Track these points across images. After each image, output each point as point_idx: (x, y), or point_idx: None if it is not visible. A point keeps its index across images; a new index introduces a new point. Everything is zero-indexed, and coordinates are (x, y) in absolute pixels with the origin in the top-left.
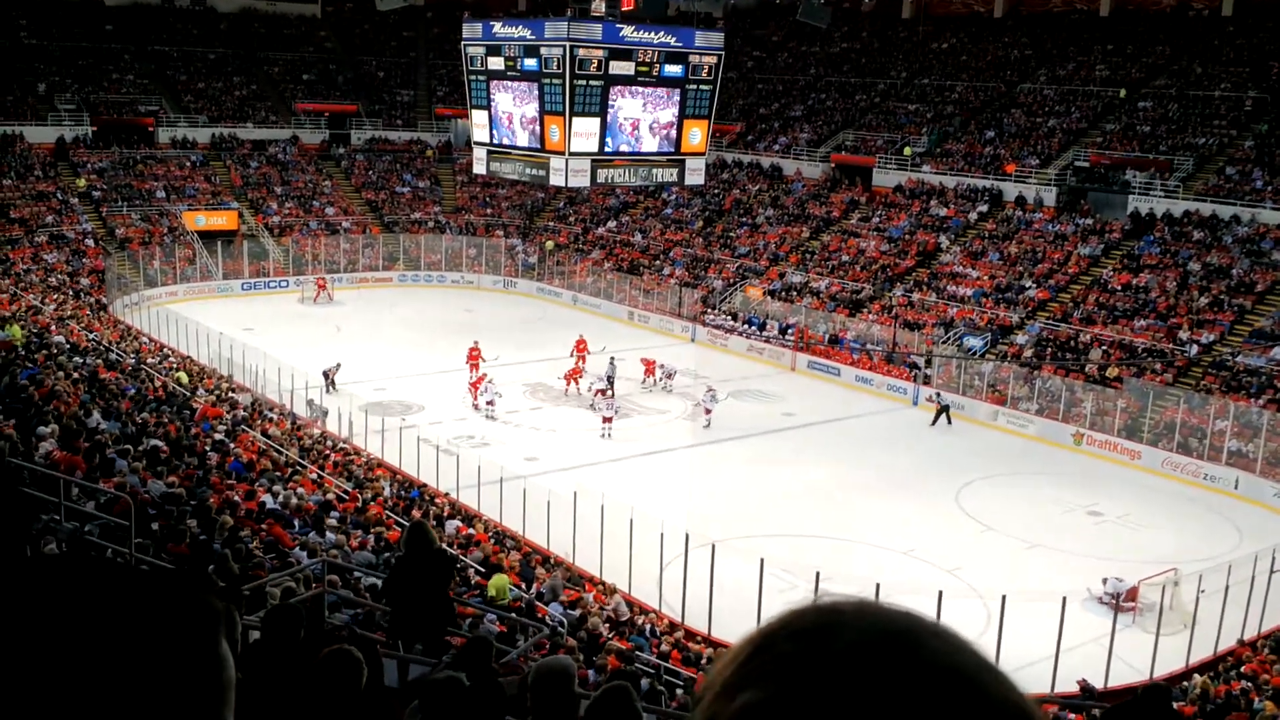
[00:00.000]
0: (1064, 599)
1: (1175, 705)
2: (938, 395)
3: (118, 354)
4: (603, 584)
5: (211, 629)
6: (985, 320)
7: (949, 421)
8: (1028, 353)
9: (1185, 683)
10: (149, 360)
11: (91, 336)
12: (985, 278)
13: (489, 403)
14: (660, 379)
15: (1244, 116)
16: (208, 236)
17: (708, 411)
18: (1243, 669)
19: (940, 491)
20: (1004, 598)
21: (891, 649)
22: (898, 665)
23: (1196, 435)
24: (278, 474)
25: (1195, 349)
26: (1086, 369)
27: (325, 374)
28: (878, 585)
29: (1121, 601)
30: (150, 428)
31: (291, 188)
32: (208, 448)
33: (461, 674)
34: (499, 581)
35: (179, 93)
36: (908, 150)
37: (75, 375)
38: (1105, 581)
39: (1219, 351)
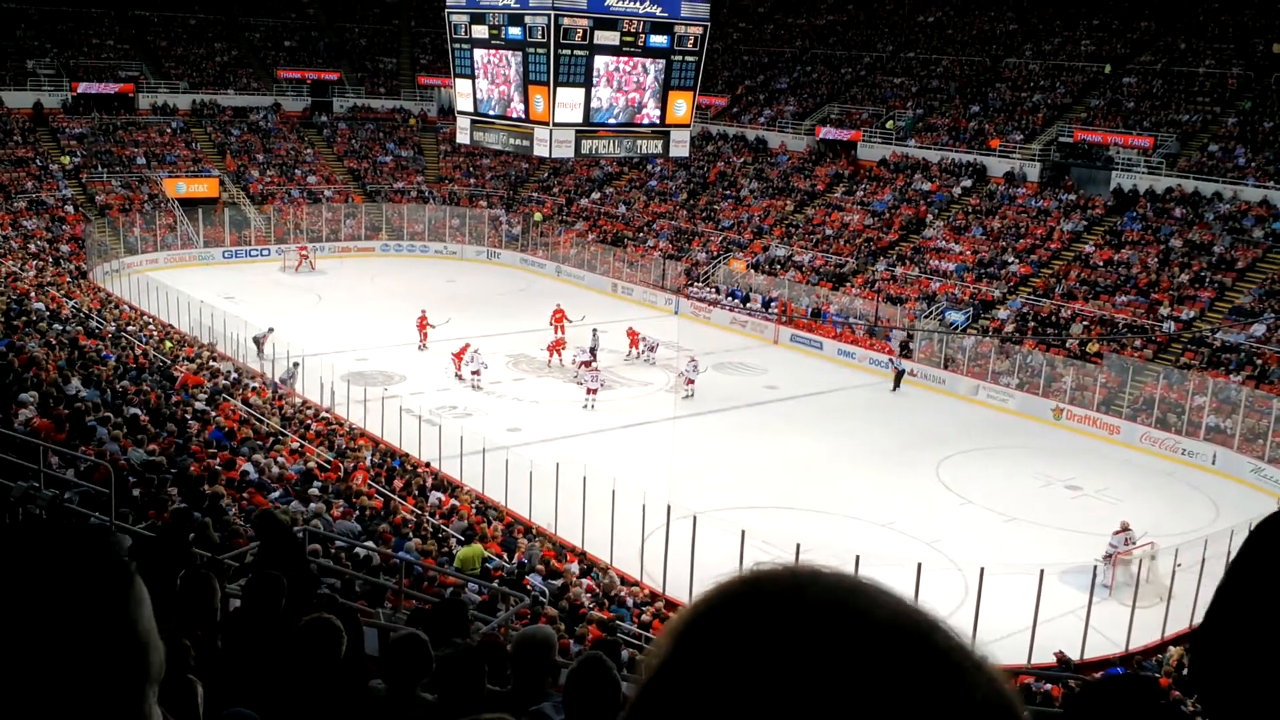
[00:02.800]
0: (1041, 571)
1: (1151, 675)
2: (893, 361)
3: (98, 321)
4: (594, 564)
5: (118, 588)
6: (967, 295)
7: (895, 386)
8: (1009, 327)
9: (1160, 655)
10: (129, 328)
11: (71, 304)
12: (968, 252)
13: (474, 372)
14: (643, 351)
15: (1228, 94)
16: (188, 204)
17: (690, 382)
18: None
19: (920, 465)
20: (982, 570)
21: (837, 608)
22: (835, 631)
23: (1175, 411)
24: (259, 443)
25: (1173, 326)
26: (1067, 344)
27: (256, 340)
28: (857, 557)
29: (1119, 555)
30: (130, 396)
31: (273, 155)
32: (188, 416)
33: (420, 632)
34: (466, 553)
35: (159, 59)
36: (891, 124)
37: (55, 343)
38: (1125, 528)
39: (1199, 328)
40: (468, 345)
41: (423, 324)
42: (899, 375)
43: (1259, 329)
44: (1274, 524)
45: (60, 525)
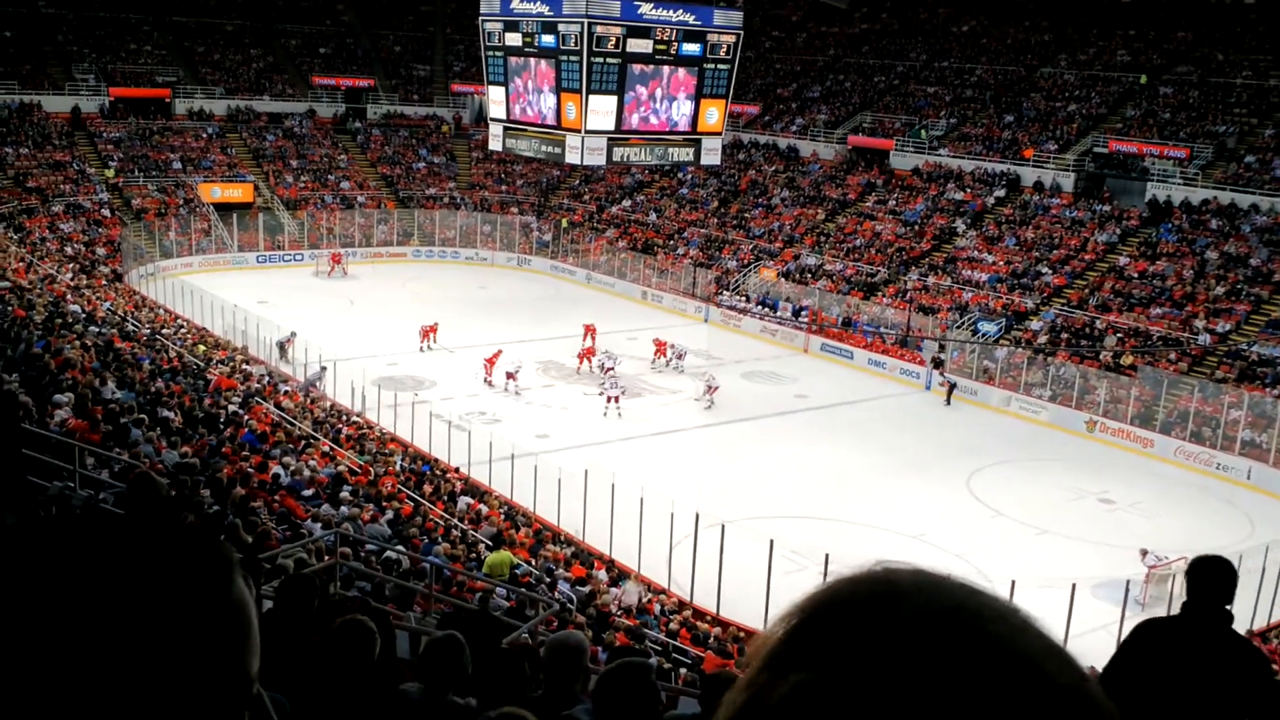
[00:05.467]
0: (1073, 585)
1: None
2: (944, 376)
3: (133, 324)
4: (620, 571)
5: (223, 573)
6: (1000, 305)
7: (948, 400)
8: (1042, 339)
9: None
10: (164, 331)
11: (106, 306)
12: (1001, 263)
13: (510, 375)
14: (670, 359)
15: (1265, 105)
16: (223, 209)
17: (712, 390)
18: None
19: (951, 476)
20: (1013, 583)
21: (954, 630)
22: (961, 648)
23: (1210, 424)
24: (291, 446)
25: (1209, 338)
26: (1101, 356)
27: (280, 345)
28: None
29: (1153, 569)
30: (165, 398)
31: (307, 161)
32: (221, 419)
33: (459, 635)
34: (495, 559)
35: (196, 64)
36: (924, 133)
37: (90, 345)
38: (1145, 554)
39: (1234, 341)
40: (500, 351)
41: (428, 332)
42: (951, 388)
43: None
44: (1151, 627)
45: (164, 518)
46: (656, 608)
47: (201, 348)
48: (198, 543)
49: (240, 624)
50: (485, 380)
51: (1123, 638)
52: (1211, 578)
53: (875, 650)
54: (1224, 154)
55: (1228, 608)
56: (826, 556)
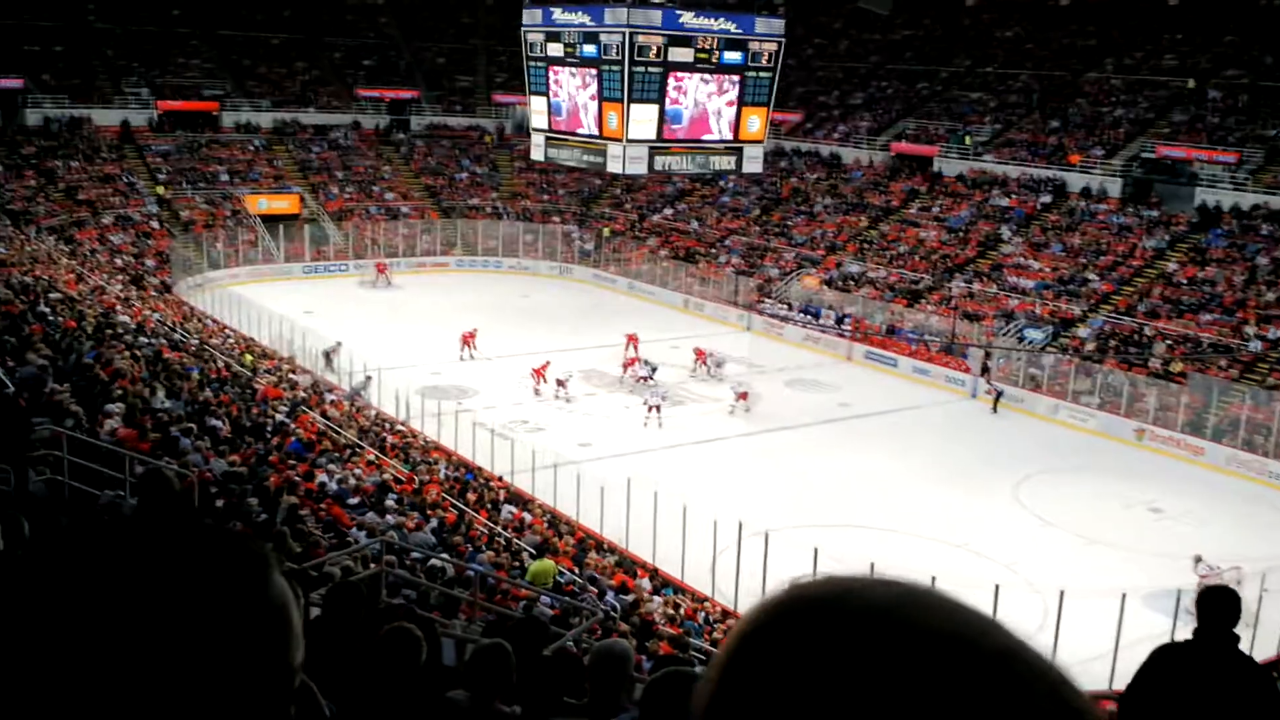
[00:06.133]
0: (1124, 595)
1: None
2: (991, 384)
3: (182, 334)
4: (663, 580)
5: (259, 571)
6: (1046, 312)
7: (994, 409)
8: (1090, 346)
9: None
10: (212, 341)
11: (156, 317)
12: (1048, 269)
13: (560, 382)
14: (711, 367)
15: None
16: (269, 220)
17: (742, 397)
18: None
19: (998, 485)
20: (1061, 593)
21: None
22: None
23: (1262, 432)
24: (336, 455)
25: (1260, 344)
26: (1150, 363)
27: (326, 354)
28: (933, 578)
29: (1205, 579)
30: (213, 407)
31: (352, 173)
32: (268, 428)
33: (505, 641)
34: (538, 567)
35: (243, 77)
36: (968, 139)
37: (139, 355)
38: (1198, 561)
39: None
40: (548, 362)
41: (468, 339)
42: (998, 396)
43: None
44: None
45: (196, 521)
46: (701, 616)
47: (249, 357)
48: (232, 542)
49: (281, 621)
50: (535, 390)
51: (1140, 663)
52: (1219, 607)
53: (815, 655)
54: (1275, 158)
55: (1235, 632)
56: (871, 565)
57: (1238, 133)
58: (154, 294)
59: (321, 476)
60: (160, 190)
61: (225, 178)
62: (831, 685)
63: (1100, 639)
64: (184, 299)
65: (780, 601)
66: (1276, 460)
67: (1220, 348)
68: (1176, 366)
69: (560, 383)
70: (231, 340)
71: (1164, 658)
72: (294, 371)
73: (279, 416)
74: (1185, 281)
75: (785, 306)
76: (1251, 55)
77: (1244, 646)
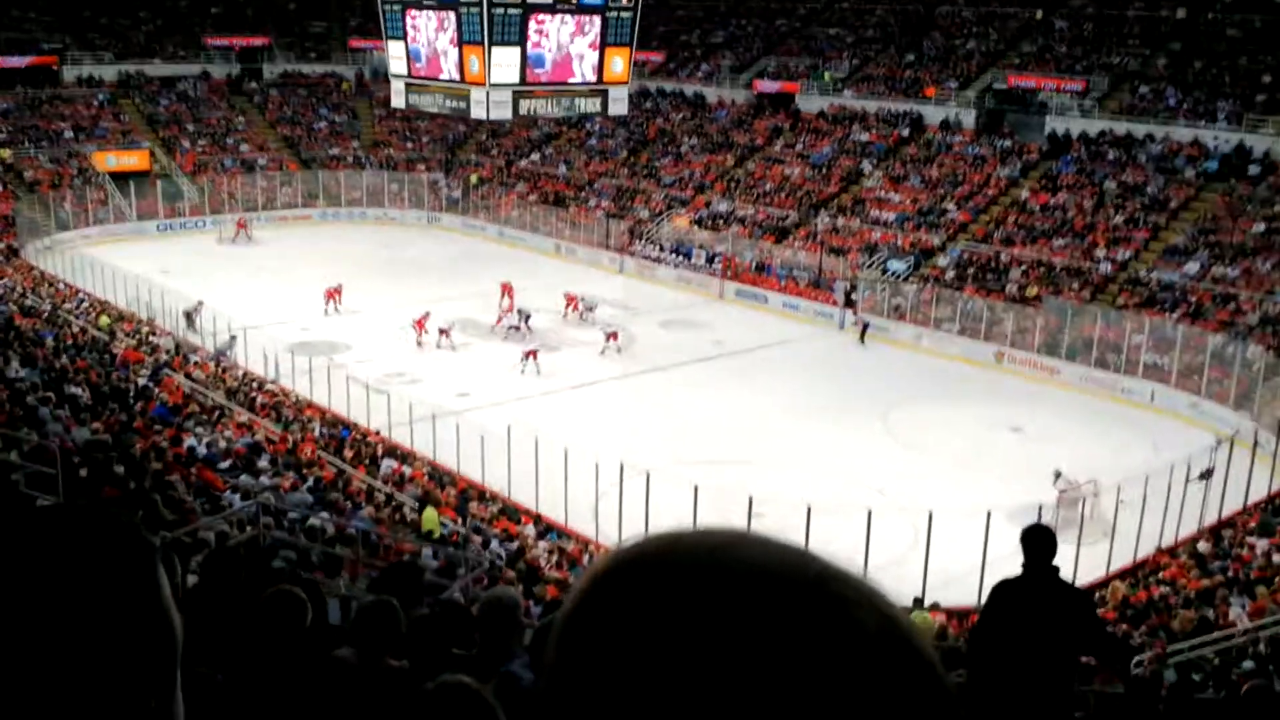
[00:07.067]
0: (988, 513)
1: (1099, 611)
2: (857, 315)
3: (33, 300)
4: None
5: (147, 567)
6: (908, 244)
7: (861, 340)
8: (950, 274)
9: (1104, 590)
10: (65, 306)
11: (3, 283)
12: (908, 201)
13: (442, 331)
14: (582, 311)
15: (1157, 35)
16: (119, 177)
17: (612, 337)
18: (1161, 575)
19: (867, 414)
20: (930, 514)
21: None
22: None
23: (1114, 350)
24: (204, 417)
25: (1110, 266)
26: (1006, 289)
27: (187, 314)
28: (809, 508)
29: (1064, 495)
30: (70, 375)
31: (204, 125)
32: (131, 393)
33: (392, 598)
34: (430, 515)
35: (83, 29)
36: (827, 76)
37: None
38: (1058, 476)
39: (1134, 268)
40: (428, 313)
41: (332, 294)
42: (864, 327)
43: (1192, 267)
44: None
45: (80, 507)
46: (585, 559)
47: (105, 320)
48: (117, 531)
49: (166, 624)
50: (417, 342)
51: (983, 599)
52: (1039, 543)
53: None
54: (1120, 85)
55: (1055, 564)
56: (750, 499)
57: (1084, 61)
58: (1, 259)
59: (190, 440)
60: (5, 153)
61: (70, 135)
62: (667, 628)
63: (968, 556)
64: (32, 263)
65: (612, 561)
66: (1127, 377)
67: (1073, 271)
68: (1032, 290)
69: (443, 332)
70: (86, 304)
71: (1001, 593)
72: (154, 334)
73: (141, 380)
74: (1038, 208)
75: (657, 248)
76: None
77: (1101, 556)
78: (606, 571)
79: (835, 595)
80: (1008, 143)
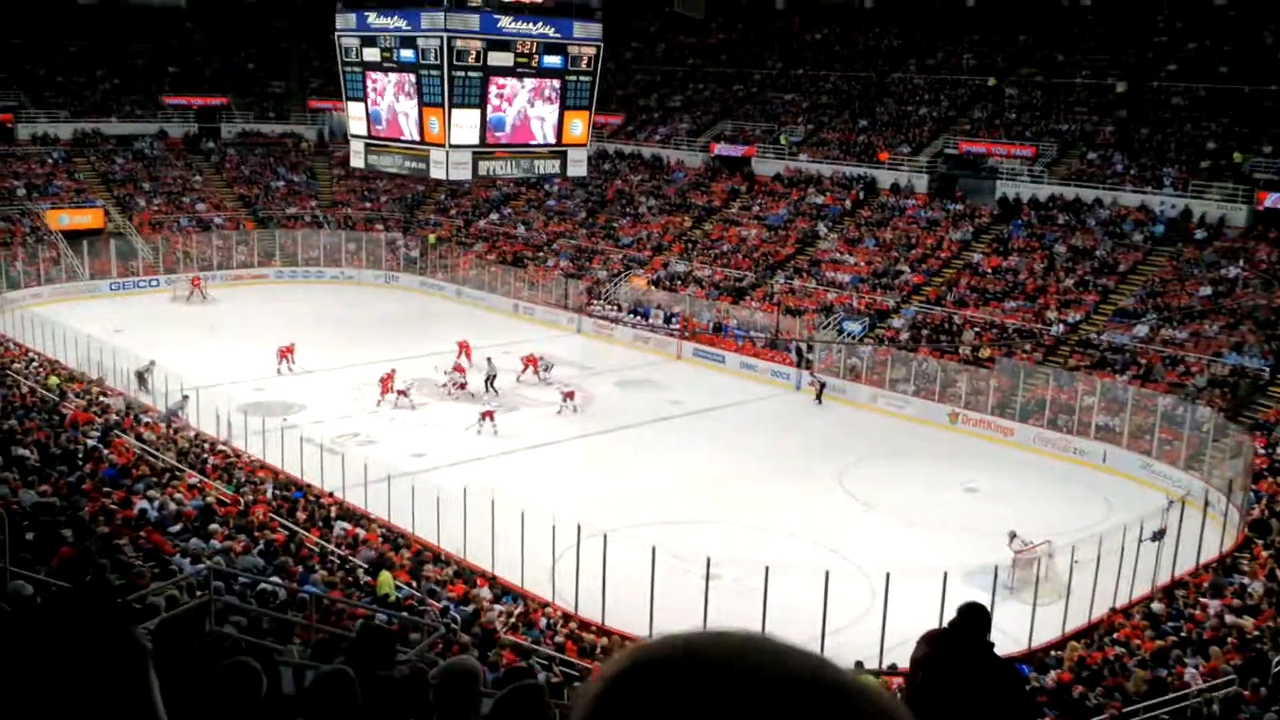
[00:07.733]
0: (945, 574)
1: (1054, 673)
2: (814, 376)
3: None
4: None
5: (139, 669)
6: (863, 305)
7: (818, 400)
8: (904, 336)
9: (1060, 651)
10: (14, 366)
11: None
12: (862, 263)
13: (401, 393)
14: (542, 372)
15: (1104, 102)
16: (72, 236)
17: (568, 396)
18: (1115, 635)
19: (823, 474)
20: (888, 575)
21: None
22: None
23: (1066, 411)
24: (155, 479)
25: (1061, 328)
26: (960, 350)
27: (139, 374)
28: (766, 569)
29: (1019, 555)
30: (18, 435)
31: (160, 183)
32: (80, 454)
33: (347, 668)
34: (385, 578)
35: (39, 88)
36: (783, 140)
37: None
38: (1013, 537)
39: (1085, 330)
40: (394, 370)
41: (285, 353)
42: (821, 388)
43: (1142, 329)
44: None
45: (74, 606)
46: (543, 621)
47: (54, 380)
48: (115, 632)
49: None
50: (377, 401)
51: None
52: (974, 621)
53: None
54: (1068, 151)
55: (989, 639)
56: (708, 560)
57: (1033, 127)
58: None
59: (140, 503)
60: None
61: (22, 192)
62: None
63: (924, 617)
64: None
65: (629, 663)
66: (1079, 438)
67: (1025, 333)
68: (985, 352)
69: (401, 392)
70: (35, 364)
71: (935, 653)
72: (105, 394)
73: (91, 442)
74: (990, 271)
75: (614, 308)
76: (1045, 54)
77: (1056, 616)
78: (623, 675)
79: (850, 706)
80: (960, 206)
